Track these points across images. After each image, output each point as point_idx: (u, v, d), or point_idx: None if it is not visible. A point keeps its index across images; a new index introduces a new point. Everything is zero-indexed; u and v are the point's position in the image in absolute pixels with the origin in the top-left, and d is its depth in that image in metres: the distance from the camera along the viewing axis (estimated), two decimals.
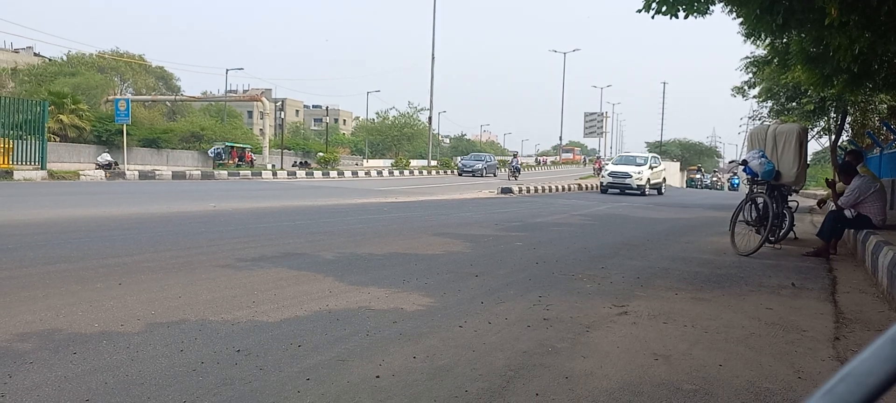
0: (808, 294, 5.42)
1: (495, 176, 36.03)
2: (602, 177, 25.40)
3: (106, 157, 30.00)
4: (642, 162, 25.05)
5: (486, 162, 38.84)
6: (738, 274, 6.37)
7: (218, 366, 2.93)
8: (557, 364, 3.19)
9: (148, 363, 2.94)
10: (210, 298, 4.26)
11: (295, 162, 38.01)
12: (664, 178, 26.78)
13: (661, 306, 4.63)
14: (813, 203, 18.21)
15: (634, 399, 2.76)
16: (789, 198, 8.86)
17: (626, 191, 23.88)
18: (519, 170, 34.02)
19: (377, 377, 2.89)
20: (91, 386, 2.63)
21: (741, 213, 8.37)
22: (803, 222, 12.34)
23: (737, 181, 38.44)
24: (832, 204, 8.68)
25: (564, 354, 3.35)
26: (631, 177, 23.68)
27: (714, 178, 48.48)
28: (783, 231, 8.78)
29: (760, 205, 8.30)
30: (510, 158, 37.68)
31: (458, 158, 47.02)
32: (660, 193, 25.70)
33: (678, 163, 48.83)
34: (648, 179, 24.26)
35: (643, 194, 23.56)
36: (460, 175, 36.65)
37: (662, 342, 3.67)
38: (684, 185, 47.22)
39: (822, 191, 17.53)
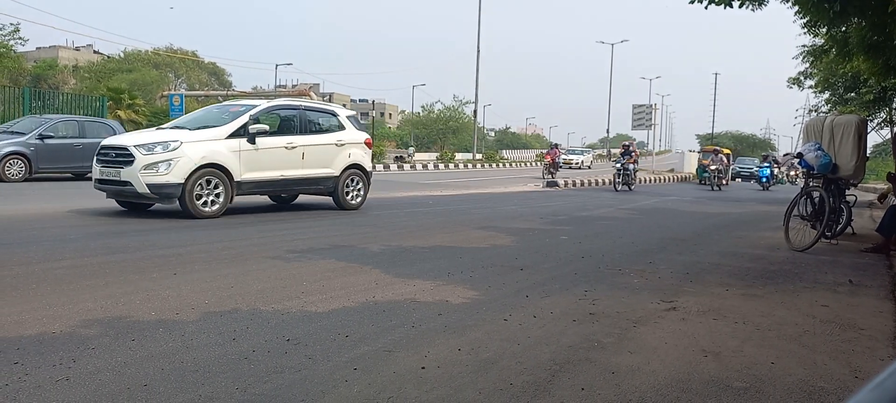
0: (866, 291, 5.22)
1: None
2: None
3: (409, 151, 30.11)
4: (235, 115, 8.83)
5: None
6: (792, 270, 6.18)
7: (269, 355, 3.02)
8: (603, 358, 3.17)
9: (202, 350, 3.05)
10: (261, 288, 4.38)
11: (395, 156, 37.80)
12: (354, 163, 10.02)
13: (711, 302, 4.54)
14: (872, 197, 17.49)
15: (682, 396, 2.72)
16: (847, 192, 8.55)
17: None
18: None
19: (422, 368, 2.93)
20: (149, 372, 2.75)
21: (796, 208, 8.12)
22: (862, 217, 11.87)
23: (765, 172, 26.67)
24: (894, 198, 8.33)
25: (610, 349, 3.33)
26: (130, 161, 8.00)
27: (716, 169, 25.82)
28: (840, 226, 8.48)
29: (816, 200, 8.03)
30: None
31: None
32: (283, 199, 10.56)
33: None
34: (213, 163, 8.29)
35: (193, 215, 8.09)
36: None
37: (712, 338, 3.60)
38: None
39: (883, 185, 16.79)
